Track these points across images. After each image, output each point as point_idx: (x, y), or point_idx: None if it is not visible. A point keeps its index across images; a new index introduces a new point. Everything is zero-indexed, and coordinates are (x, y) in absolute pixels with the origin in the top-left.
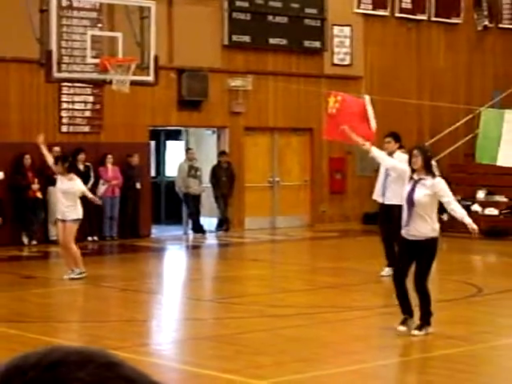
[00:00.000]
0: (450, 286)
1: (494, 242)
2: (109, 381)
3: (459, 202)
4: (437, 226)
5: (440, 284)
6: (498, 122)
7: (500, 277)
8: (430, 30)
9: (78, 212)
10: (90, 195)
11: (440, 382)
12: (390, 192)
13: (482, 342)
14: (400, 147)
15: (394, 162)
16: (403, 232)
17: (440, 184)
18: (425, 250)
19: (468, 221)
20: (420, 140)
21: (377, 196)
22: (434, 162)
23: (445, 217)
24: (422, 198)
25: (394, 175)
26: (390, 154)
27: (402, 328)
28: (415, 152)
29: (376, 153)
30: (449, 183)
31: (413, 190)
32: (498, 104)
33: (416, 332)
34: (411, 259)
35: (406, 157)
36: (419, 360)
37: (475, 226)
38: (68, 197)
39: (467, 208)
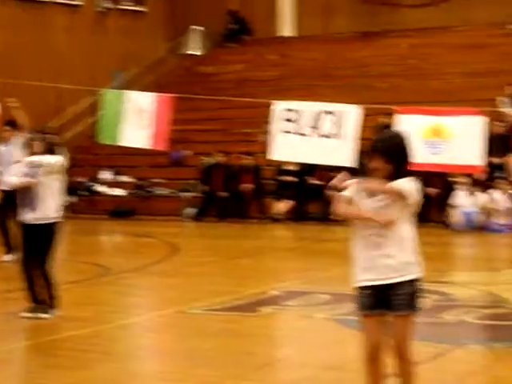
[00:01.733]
0: (78, 268)
1: (120, 222)
2: None
3: (83, 183)
4: (54, 210)
5: (67, 266)
6: (118, 103)
7: (127, 256)
8: (51, 11)
9: None
10: None
11: (67, 363)
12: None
13: (110, 322)
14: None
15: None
16: (25, 217)
17: None
18: (47, 233)
19: None
20: (44, 123)
21: (4, 184)
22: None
23: (74, 199)
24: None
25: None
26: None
27: (29, 315)
28: (34, 137)
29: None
30: (74, 165)
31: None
32: (121, 84)
33: (29, 315)
34: (35, 243)
35: (22, 140)
36: (46, 343)
37: None
38: None
39: (90, 189)
